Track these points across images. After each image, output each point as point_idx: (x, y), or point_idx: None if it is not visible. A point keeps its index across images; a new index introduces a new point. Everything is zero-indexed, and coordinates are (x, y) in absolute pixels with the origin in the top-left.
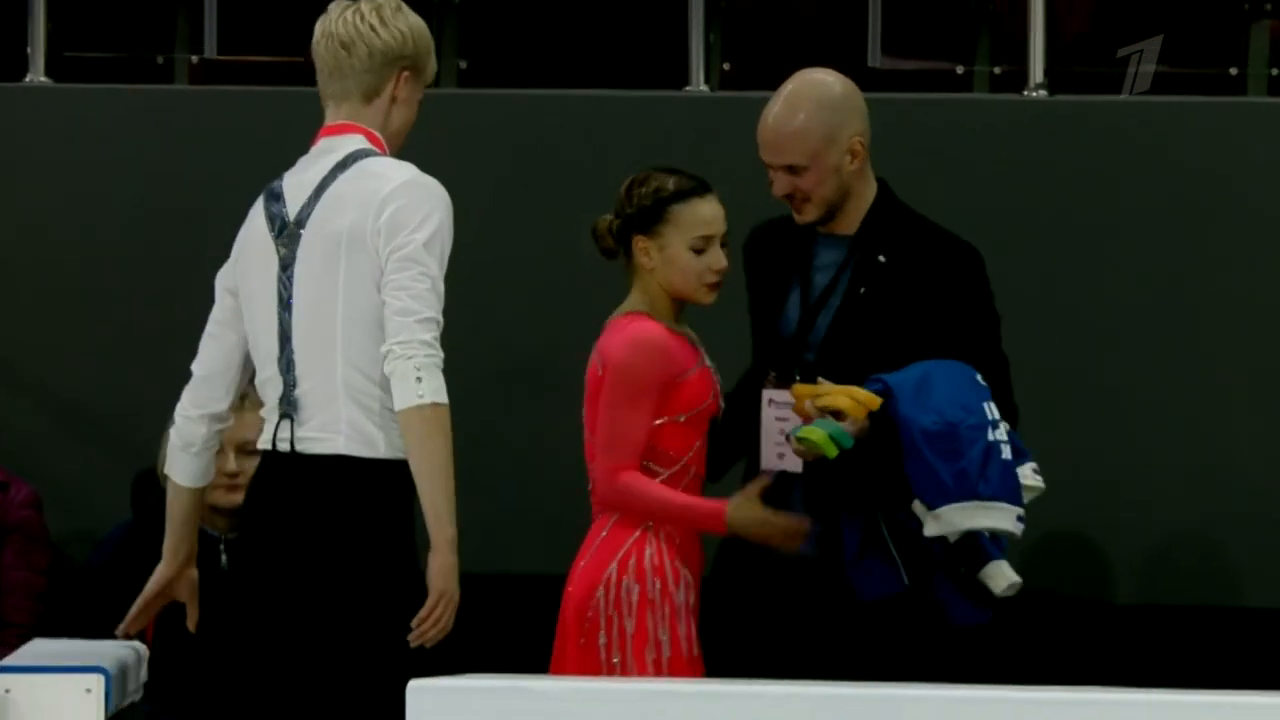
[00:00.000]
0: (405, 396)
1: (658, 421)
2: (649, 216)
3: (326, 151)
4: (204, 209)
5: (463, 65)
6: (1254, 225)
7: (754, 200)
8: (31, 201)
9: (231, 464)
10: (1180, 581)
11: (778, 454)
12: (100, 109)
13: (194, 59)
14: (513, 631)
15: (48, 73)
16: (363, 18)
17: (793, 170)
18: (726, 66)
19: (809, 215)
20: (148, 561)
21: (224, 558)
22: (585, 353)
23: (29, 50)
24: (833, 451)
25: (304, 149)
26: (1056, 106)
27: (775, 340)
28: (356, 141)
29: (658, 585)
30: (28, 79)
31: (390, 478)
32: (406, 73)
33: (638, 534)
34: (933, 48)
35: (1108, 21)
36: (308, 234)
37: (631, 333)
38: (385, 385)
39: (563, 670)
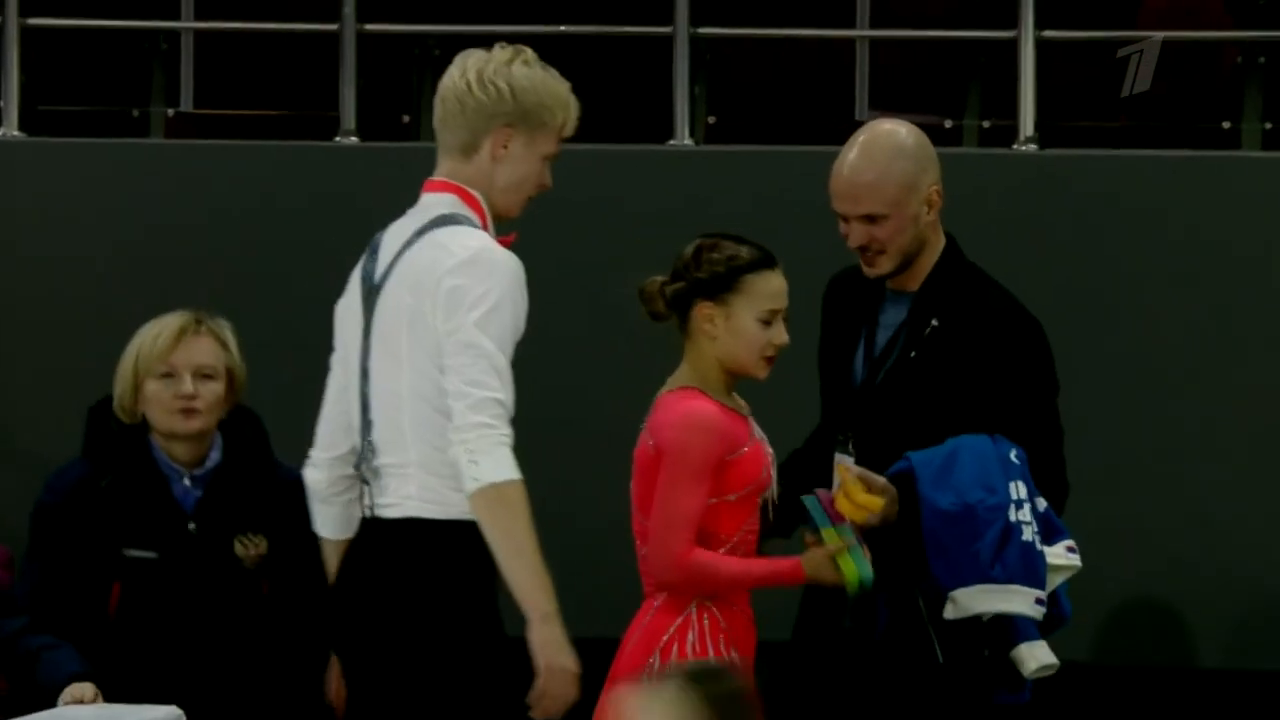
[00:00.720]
0: (465, 484)
1: (710, 501)
2: (720, 284)
3: (421, 209)
4: (180, 261)
5: None
6: (1246, 279)
7: None
8: (3, 255)
9: (187, 386)
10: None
11: None
12: (75, 163)
13: (170, 112)
14: None
15: (21, 127)
16: (463, 73)
17: (871, 220)
18: (711, 120)
19: (883, 267)
20: (104, 499)
21: (191, 521)
22: (563, 403)
23: (2, 104)
24: (852, 590)
25: (278, 202)
26: (1046, 161)
27: (842, 398)
28: (445, 203)
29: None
30: (0, 133)
31: (461, 537)
32: (509, 129)
33: (680, 620)
34: (921, 101)
35: (1099, 76)
36: (381, 303)
37: (685, 411)
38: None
39: None
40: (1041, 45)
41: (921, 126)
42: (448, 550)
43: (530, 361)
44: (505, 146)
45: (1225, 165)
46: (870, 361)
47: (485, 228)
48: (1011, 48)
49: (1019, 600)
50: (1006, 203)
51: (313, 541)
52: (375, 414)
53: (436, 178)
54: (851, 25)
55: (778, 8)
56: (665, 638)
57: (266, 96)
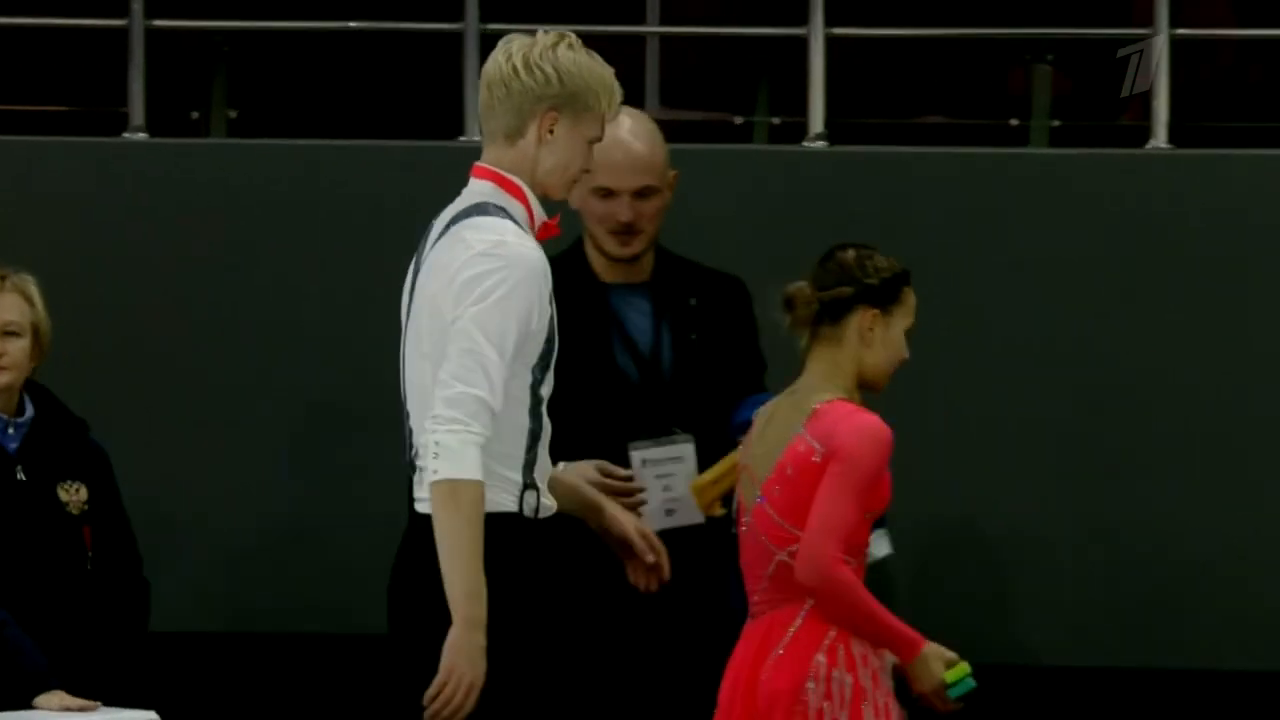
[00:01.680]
0: (426, 474)
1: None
2: (889, 293)
3: (463, 197)
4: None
5: (232, 115)
6: (1030, 271)
7: None
8: None
9: None
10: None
11: (665, 511)
12: None
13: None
14: None
15: None
16: (509, 58)
17: (643, 195)
18: None
19: (637, 248)
20: (54, 448)
21: (18, 466)
22: (361, 393)
23: None
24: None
25: (66, 197)
26: (836, 157)
27: (617, 396)
28: (483, 192)
29: (868, 674)
30: None
31: (493, 530)
32: (554, 113)
33: (830, 639)
34: (711, 98)
35: (888, 72)
36: (416, 296)
37: (865, 423)
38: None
39: None
40: (831, 42)
41: (712, 123)
42: (495, 542)
43: (325, 349)
44: (551, 130)
45: (1013, 160)
46: (643, 357)
47: (529, 212)
48: (801, 45)
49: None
50: (796, 200)
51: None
52: (411, 406)
53: (480, 164)
54: (642, 21)
55: (567, 4)
56: (829, 639)
57: (55, 92)
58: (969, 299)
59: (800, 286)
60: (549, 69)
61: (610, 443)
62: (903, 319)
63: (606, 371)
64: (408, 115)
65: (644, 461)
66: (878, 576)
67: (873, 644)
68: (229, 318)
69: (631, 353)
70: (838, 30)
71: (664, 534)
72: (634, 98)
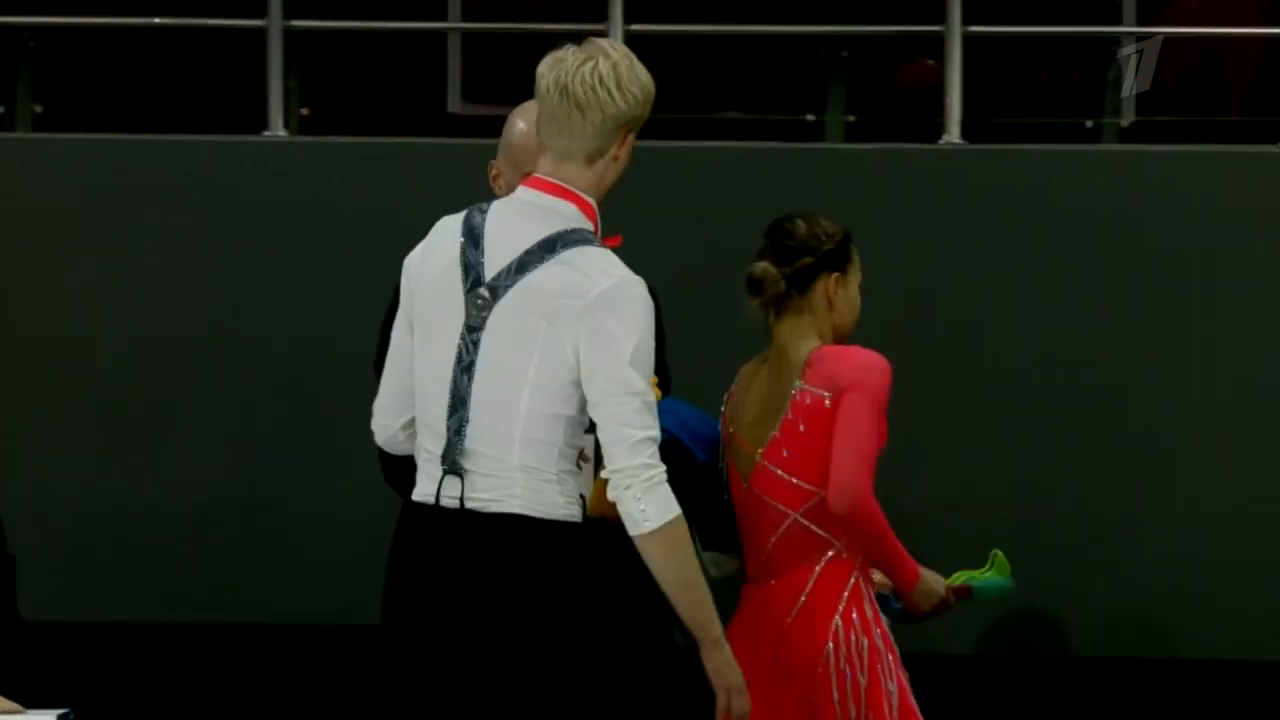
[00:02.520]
0: (636, 525)
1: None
2: (842, 255)
3: (534, 211)
4: None
5: (38, 110)
6: None
7: (325, 245)
8: None
9: None
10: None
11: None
12: None
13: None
14: None
15: None
16: (602, 80)
17: None
18: (305, 111)
19: None
20: None
21: None
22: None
23: None
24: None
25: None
26: (636, 152)
27: None
28: (568, 213)
29: (880, 635)
30: None
31: (570, 536)
32: (631, 134)
33: (852, 583)
34: (513, 94)
35: (687, 67)
36: (503, 308)
37: (864, 355)
38: (561, 462)
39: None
40: (630, 39)
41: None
42: (553, 549)
43: (117, 339)
44: (623, 150)
45: (811, 156)
46: None
47: (596, 233)
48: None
49: None
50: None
51: None
52: (475, 414)
53: (553, 180)
54: (444, 18)
55: (371, 1)
56: (843, 603)
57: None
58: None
59: (764, 267)
60: (638, 92)
61: None
62: (855, 276)
63: None
64: (212, 110)
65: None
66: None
67: (882, 568)
68: (36, 314)
69: None
70: (636, 27)
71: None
72: (437, 93)
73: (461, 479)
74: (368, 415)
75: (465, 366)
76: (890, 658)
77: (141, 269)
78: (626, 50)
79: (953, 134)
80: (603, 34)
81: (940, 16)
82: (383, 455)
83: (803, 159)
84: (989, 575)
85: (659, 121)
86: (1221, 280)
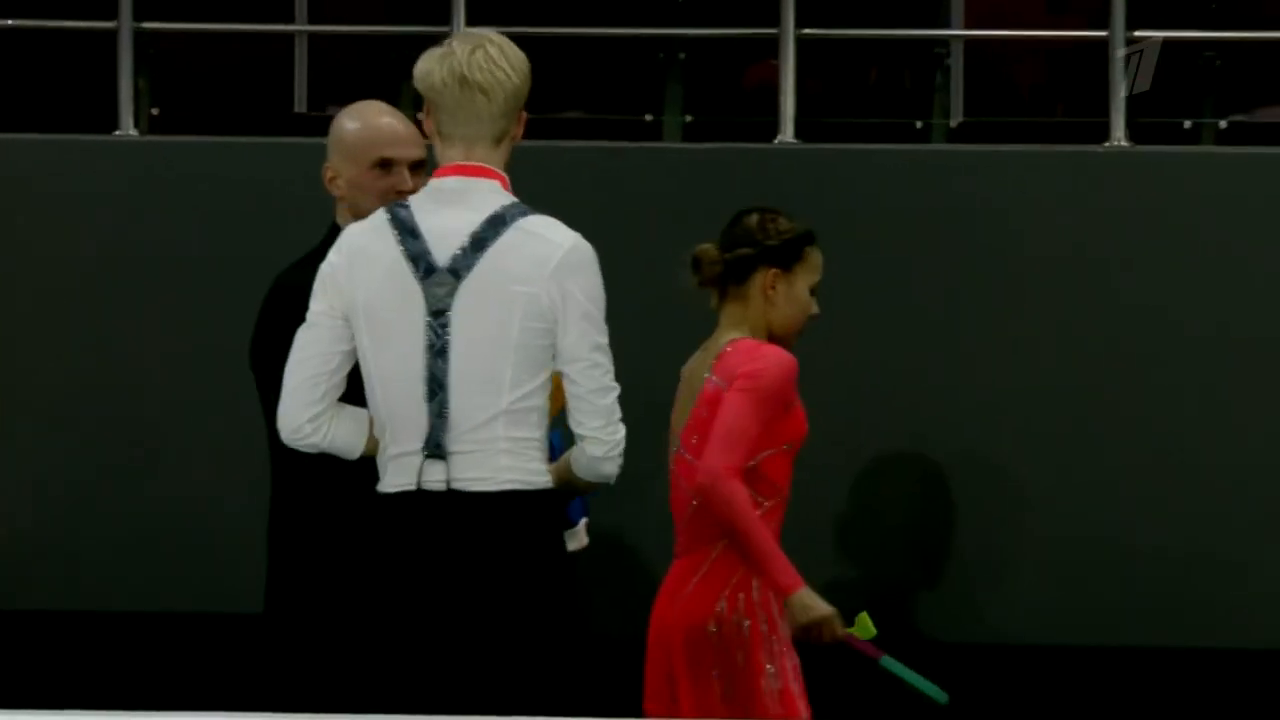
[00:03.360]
0: (610, 479)
1: (768, 452)
2: (789, 253)
3: (462, 194)
4: None
5: None
6: (667, 265)
7: (175, 243)
8: None
9: None
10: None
11: None
12: None
13: None
14: None
15: None
16: (495, 62)
17: (417, 167)
18: (155, 111)
19: None
20: None
21: None
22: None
23: None
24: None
25: None
26: None
27: None
28: (495, 189)
29: (765, 618)
30: None
31: (549, 505)
32: (523, 112)
33: (743, 569)
34: (358, 95)
35: (543, 71)
36: (470, 286)
37: (762, 349)
38: (538, 429)
39: (668, 699)
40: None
41: None
42: (543, 518)
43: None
44: (519, 128)
45: (642, 154)
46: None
47: None
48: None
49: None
50: None
51: None
52: (456, 393)
53: (472, 163)
54: (290, 20)
55: (219, 2)
56: (731, 584)
57: None
58: None
59: (706, 248)
60: (524, 68)
61: None
62: (805, 277)
63: None
64: (63, 110)
65: None
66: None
67: (749, 564)
68: None
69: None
70: (478, 29)
71: None
72: (283, 94)
73: (446, 461)
74: (214, 411)
75: (438, 351)
76: (776, 642)
77: None
78: (497, 34)
79: (787, 134)
80: (445, 36)
81: (775, 19)
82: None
83: (640, 158)
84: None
85: None
86: (1047, 276)
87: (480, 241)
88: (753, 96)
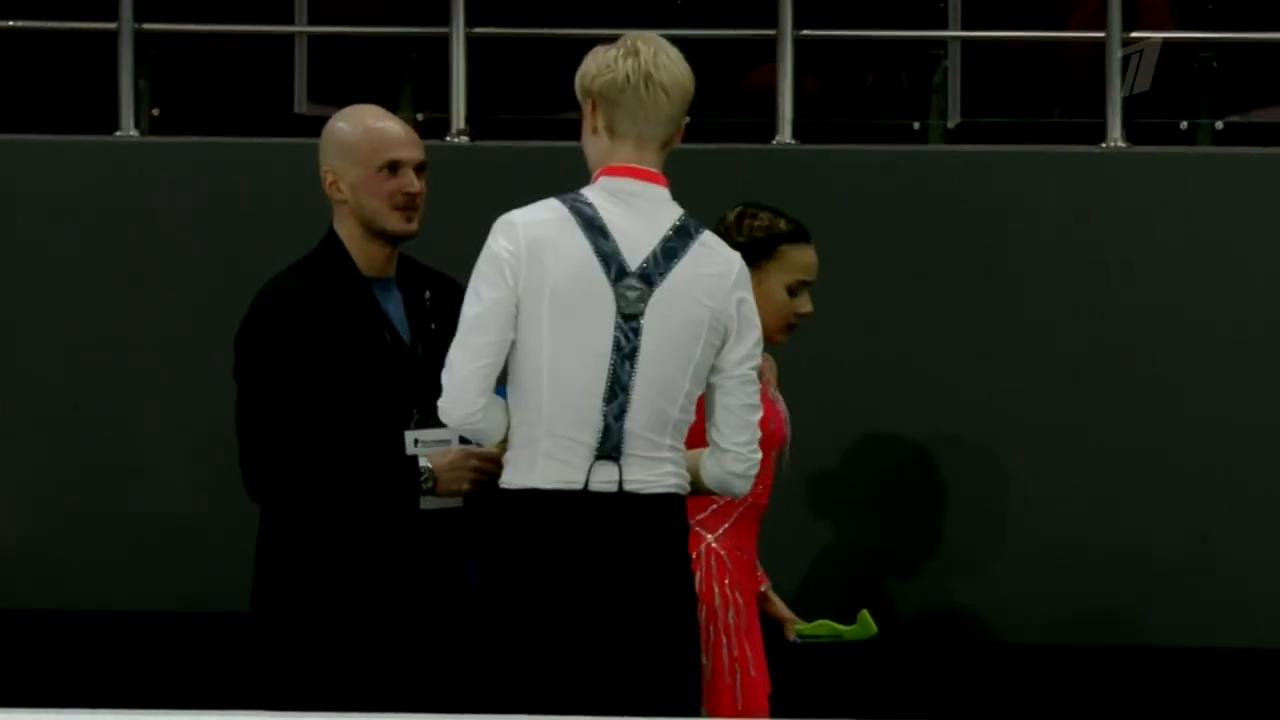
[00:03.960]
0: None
1: None
2: (759, 250)
3: (645, 199)
4: None
5: None
6: None
7: (175, 244)
8: None
9: None
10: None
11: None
12: None
13: None
14: None
15: None
16: (676, 63)
17: (421, 169)
18: (156, 112)
19: (417, 224)
20: None
21: None
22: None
23: None
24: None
25: None
26: (478, 152)
27: (393, 384)
28: (667, 197)
29: (704, 610)
30: None
31: (685, 511)
32: (685, 118)
33: (702, 551)
34: (357, 95)
35: (529, 70)
36: (663, 294)
37: None
38: (684, 440)
39: None
40: (472, 42)
41: None
42: (686, 523)
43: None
44: (681, 134)
45: None
46: (405, 347)
47: None
48: (444, 44)
49: None
50: (440, 192)
51: None
52: (637, 398)
53: (645, 167)
54: (290, 21)
55: (219, 3)
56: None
57: None
58: None
59: None
60: (693, 75)
61: (389, 429)
62: (780, 275)
63: (384, 362)
64: (64, 110)
65: (417, 442)
66: None
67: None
68: None
69: (396, 343)
70: (478, 30)
71: (429, 515)
72: (283, 94)
73: (618, 464)
74: (212, 412)
75: (626, 354)
76: (711, 629)
77: None
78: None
79: (785, 135)
80: (446, 37)
81: (773, 21)
82: (279, 455)
83: None
84: (851, 630)
85: (501, 122)
86: (1044, 277)
87: (671, 251)
88: (750, 98)
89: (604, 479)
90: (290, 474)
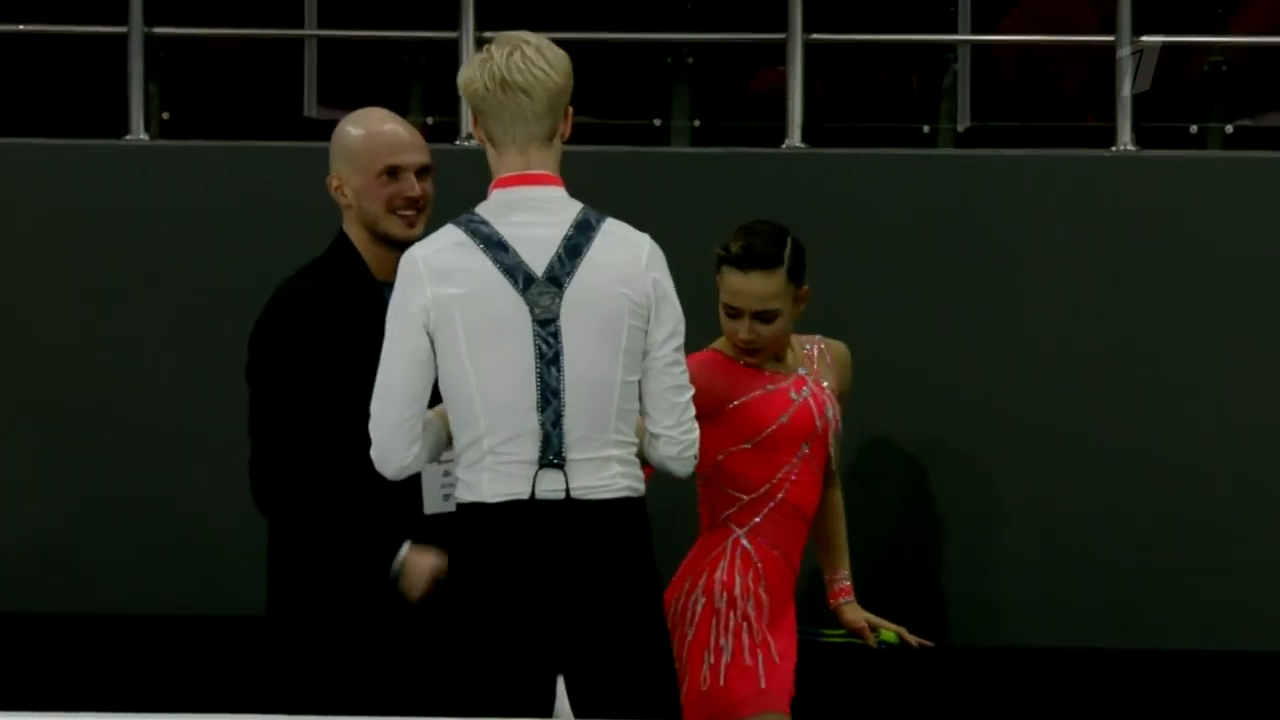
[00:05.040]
0: (683, 475)
1: (730, 449)
2: (716, 266)
3: (537, 204)
4: None
5: None
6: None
7: (186, 248)
8: None
9: None
10: None
11: (443, 496)
12: None
13: None
14: None
15: None
16: (532, 61)
17: (424, 173)
18: (166, 116)
19: (421, 227)
20: None
21: None
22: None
23: None
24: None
25: None
26: (483, 155)
27: None
28: (563, 195)
29: (725, 598)
30: None
31: (644, 512)
32: (570, 108)
33: (715, 553)
34: (367, 99)
35: None
36: (575, 293)
37: (691, 357)
38: (634, 434)
39: None
40: (481, 45)
41: None
42: (645, 526)
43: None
44: (568, 123)
45: (650, 159)
46: None
47: None
48: (453, 48)
49: None
50: (449, 195)
51: None
52: (571, 401)
53: (536, 171)
54: (300, 25)
55: (229, 7)
56: (698, 567)
57: None
58: None
59: None
60: (565, 65)
61: None
62: (722, 295)
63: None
64: (74, 114)
65: None
66: None
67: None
68: None
69: None
70: (488, 34)
71: (439, 518)
72: (293, 98)
73: (563, 470)
74: (221, 415)
75: (550, 359)
76: (731, 617)
77: (2, 273)
78: (534, 35)
79: (794, 138)
80: (455, 41)
81: (783, 24)
82: (281, 473)
83: (648, 162)
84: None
85: None
86: (1054, 280)
87: (575, 248)
88: (759, 101)
89: (551, 487)
90: (300, 493)
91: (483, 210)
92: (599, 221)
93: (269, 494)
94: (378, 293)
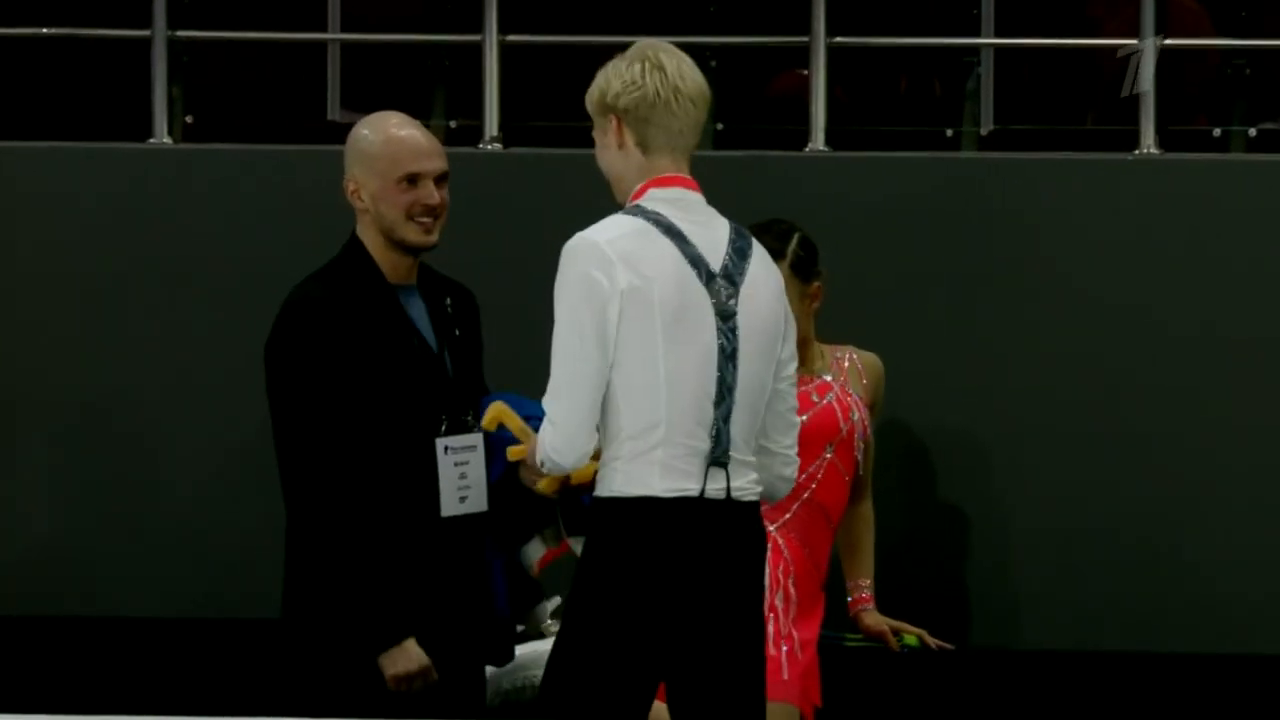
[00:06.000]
0: (784, 495)
1: None
2: None
3: (698, 204)
4: None
5: None
6: None
7: (209, 251)
8: None
9: None
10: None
11: (459, 498)
12: None
13: None
14: None
15: None
16: (697, 71)
17: (441, 180)
18: (189, 119)
19: (438, 234)
20: None
21: None
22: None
23: None
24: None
25: None
26: (511, 159)
27: (424, 391)
28: (707, 203)
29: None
30: None
31: None
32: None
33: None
34: (390, 102)
35: (561, 77)
36: (747, 293)
37: None
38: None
39: None
40: (505, 48)
41: None
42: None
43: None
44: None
45: None
46: (433, 354)
47: None
48: (476, 51)
49: None
50: (472, 199)
51: None
52: (739, 400)
53: (684, 175)
54: (323, 28)
55: (252, 10)
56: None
57: None
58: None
59: None
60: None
61: (420, 435)
62: None
63: (414, 370)
64: (98, 118)
65: (446, 449)
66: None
67: None
68: None
69: (424, 351)
70: (512, 37)
71: (457, 520)
72: (317, 101)
73: (726, 469)
74: (243, 418)
75: (729, 355)
76: (780, 605)
77: (26, 276)
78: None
79: (818, 141)
80: (478, 44)
81: (806, 28)
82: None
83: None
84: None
85: (533, 129)
86: (1077, 283)
87: (741, 251)
88: (782, 104)
89: (716, 486)
90: (332, 502)
91: (648, 204)
92: (747, 234)
93: (305, 510)
94: (392, 297)
